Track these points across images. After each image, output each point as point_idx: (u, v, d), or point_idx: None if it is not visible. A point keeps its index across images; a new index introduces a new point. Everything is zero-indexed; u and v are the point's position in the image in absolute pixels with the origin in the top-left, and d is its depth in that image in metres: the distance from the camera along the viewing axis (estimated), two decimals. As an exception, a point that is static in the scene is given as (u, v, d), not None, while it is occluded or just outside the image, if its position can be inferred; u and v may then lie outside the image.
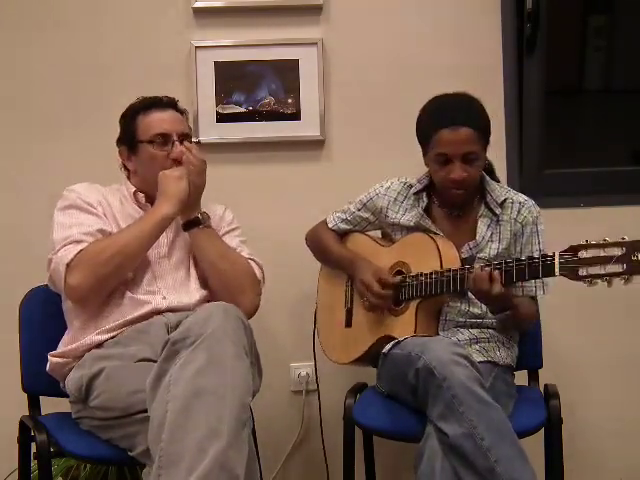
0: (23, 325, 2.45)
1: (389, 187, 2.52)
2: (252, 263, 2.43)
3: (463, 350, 2.15)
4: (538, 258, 2.12)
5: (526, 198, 2.45)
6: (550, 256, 2.09)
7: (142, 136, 2.36)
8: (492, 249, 2.40)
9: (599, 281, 2.00)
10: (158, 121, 2.37)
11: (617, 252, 1.98)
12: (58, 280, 2.25)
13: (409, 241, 2.46)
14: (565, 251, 2.06)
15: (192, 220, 2.37)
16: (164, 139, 2.36)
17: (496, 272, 2.19)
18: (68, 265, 2.21)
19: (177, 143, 2.36)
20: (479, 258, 2.39)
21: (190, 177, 2.33)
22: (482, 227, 2.41)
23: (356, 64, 2.92)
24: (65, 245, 2.24)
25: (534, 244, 2.40)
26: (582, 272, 2.02)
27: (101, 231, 2.29)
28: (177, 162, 2.35)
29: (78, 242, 2.24)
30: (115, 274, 2.25)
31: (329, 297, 2.65)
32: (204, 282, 2.40)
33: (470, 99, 2.38)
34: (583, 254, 2.02)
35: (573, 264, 2.04)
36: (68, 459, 2.65)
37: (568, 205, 2.93)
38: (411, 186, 2.50)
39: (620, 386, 2.95)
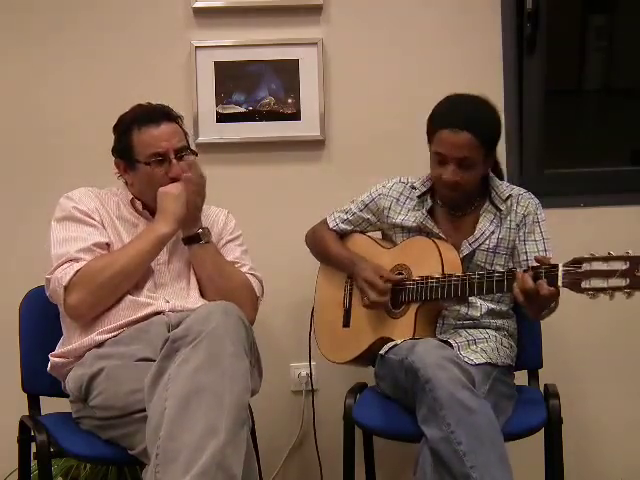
0: (23, 325, 2.45)
1: (391, 187, 2.52)
2: (251, 278, 2.43)
3: (451, 353, 2.16)
4: (542, 269, 2.11)
5: (525, 190, 2.46)
6: (553, 268, 2.09)
7: (138, 155, 2.33)
8: (492, 240, 2.40)
9: (601, 294, 2.01)
10: (154, 139, 2.32)
11: (621, 266, 1.98)
12: (57, 300, 2.28)
13: (411, 244, 2.45)
14: (569, 263, 2.06)
15: (192, 236, 2.37)
16: (161, 157, 2.33)
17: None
18: (66, 287, 2.22)
19: (174, 161, 2.33)
20: (480, 250, 2.40)
21: (189, 196, 2.32)
22: (485, 222, 2.41)
23: (356, 64, 2.92)
24: (62, 264, 2.25)
25: (536, 233, 2.39)
26: (585, 285, 2.02)
27: (97, 244, 2.29)
28: (175, 180, 2.33)
29: (74, 261, 2.25)
30: (113, 293, 2.26)
31: (327, 297, 2.64)
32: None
33: (482, 105, 2.36)
34: (586, 267, 2.02)
35: (576, 276, 2.04)
36: (68, 459, 2.65)
37: (568, 205, 2.93)
38: (413, 187, 2.49)
39: (620, 386, 2.95)
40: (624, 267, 1.98)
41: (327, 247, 2.61)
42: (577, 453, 2.81)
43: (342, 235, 2.63)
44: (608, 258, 2.00)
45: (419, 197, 2.48)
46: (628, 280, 1.97)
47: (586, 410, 2.93)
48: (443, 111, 2.37)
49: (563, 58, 3.17)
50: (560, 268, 2.07)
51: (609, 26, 3.25)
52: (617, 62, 3.27)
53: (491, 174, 2.44)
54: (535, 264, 2.15)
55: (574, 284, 2.04)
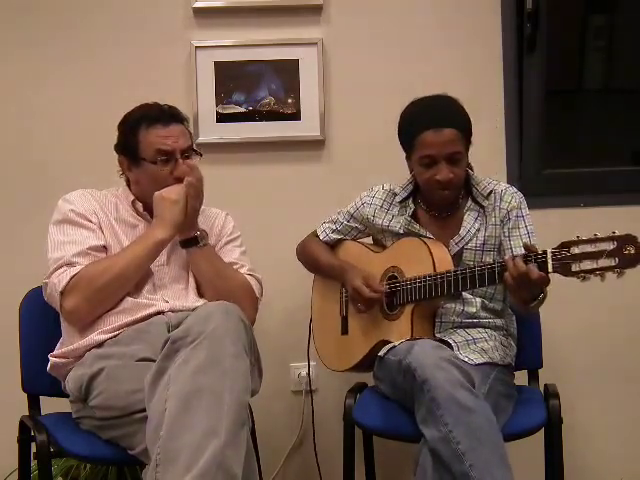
0: (23, 325, 2.45)
1: (374, 195, 2.53)
2: (250, 279, 2.44)
3: (449, 354, 2.16)
4: (531, 256, 2.12)
5: (507, 185, 2.46)
6: (542, 253, 2.09)
7: (145, 154, 2.33)
8: (479, 238, 2.40)
9: (592, 276, 2.01)
10: (161, 139, 2.32)
11: (608, 246, 1.99)
12: (54, 305, 2.28)
13: (401, 246, 2.46)
14: (557, 248, 2.07)
15: (189, 239, 2.36)
16: (167, 156, 2.33)
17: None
18: (62, 292, 2.23)
19: (180, 161, 2.33)
20: (467, 249, 2.40)
21: (189, 200, 2.31)
22: (469, 220, 2.41)
23: (356, 64, 2.92)
24: (58, 268, 2.25)
25: (521, 228, 2.39)
26: (575, 268, 2.03)
27: (94, 248, 2.29)
28: (179, 179, 2.34)
29: (70, 265, 2.25)
30: (110, 298, 2.26)
31: (324, 306, 2.65)
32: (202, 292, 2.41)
33: (450, 100, 2.39)
34: (575, 250, 2.03)
35: (565, 260, 2.04)
36: (68, 459, 2.65)
37: (568, 205, 2.93)
38: (395, 193, 2.50)
39: (620, 386, 2.95)
40: (612, 247, 1.99)
41: (317, 258, 2.61)
42: (577, 453, 2.82)
43: (333, 244, 2.63)
44: (595, 240, 2.01)
45: (401, 202, 2.48)
46: (617, 259, 1.99)
47: (586, 410, 2.92)
48: (417, 116, 2.38)
49: (563, 58, 3.17)
50: (549, 253, 2.07)
51: (609, 26, 3.24)
52: (617, 62, 3.27)
53: (470, 171, 2.45)
54: (523, 252, 2.15)
55: (564, 268, 2.05)
